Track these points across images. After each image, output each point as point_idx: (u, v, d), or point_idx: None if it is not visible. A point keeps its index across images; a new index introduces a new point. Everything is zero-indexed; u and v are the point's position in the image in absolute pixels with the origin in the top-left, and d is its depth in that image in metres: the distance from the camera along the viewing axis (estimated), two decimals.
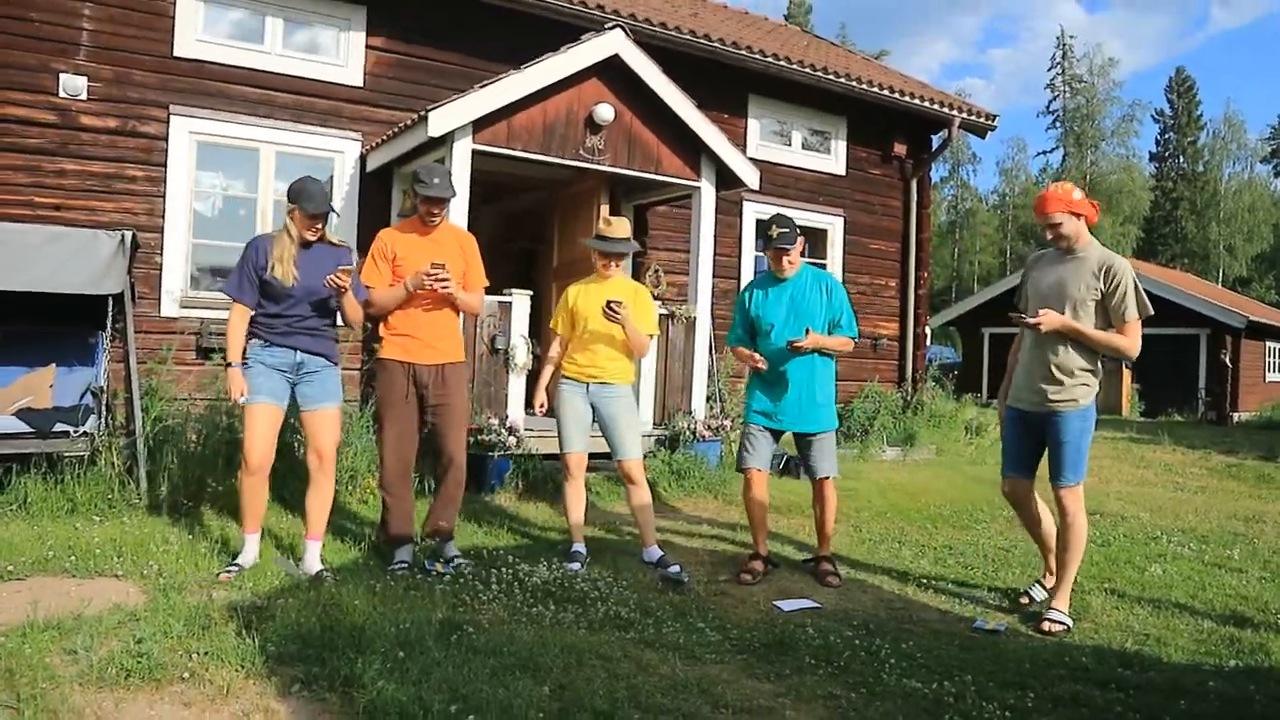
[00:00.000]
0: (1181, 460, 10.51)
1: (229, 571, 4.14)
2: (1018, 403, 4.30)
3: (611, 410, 4.89)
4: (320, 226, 4.31)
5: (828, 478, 4.84)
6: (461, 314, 4.78)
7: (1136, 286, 4.01)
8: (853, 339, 4.85)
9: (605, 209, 7.94)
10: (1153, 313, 4.07)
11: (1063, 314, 4.05)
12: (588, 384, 4.88)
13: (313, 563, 4.32)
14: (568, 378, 4.93)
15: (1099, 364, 4.15)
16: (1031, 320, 4.03)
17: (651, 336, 5.02)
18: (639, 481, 4.92)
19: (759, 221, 4.96)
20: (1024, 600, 4.42)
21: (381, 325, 4.61)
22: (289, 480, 5.58)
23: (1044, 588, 4.44)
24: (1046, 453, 4.22)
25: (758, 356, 4.74)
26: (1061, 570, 4.18)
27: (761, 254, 10.27)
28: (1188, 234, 45.52)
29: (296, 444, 5.62)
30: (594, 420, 4.93)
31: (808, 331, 4.63)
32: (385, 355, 4.56)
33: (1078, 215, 4.09)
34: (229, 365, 4.30)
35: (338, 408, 4.45)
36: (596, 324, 4.83)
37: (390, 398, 4.53)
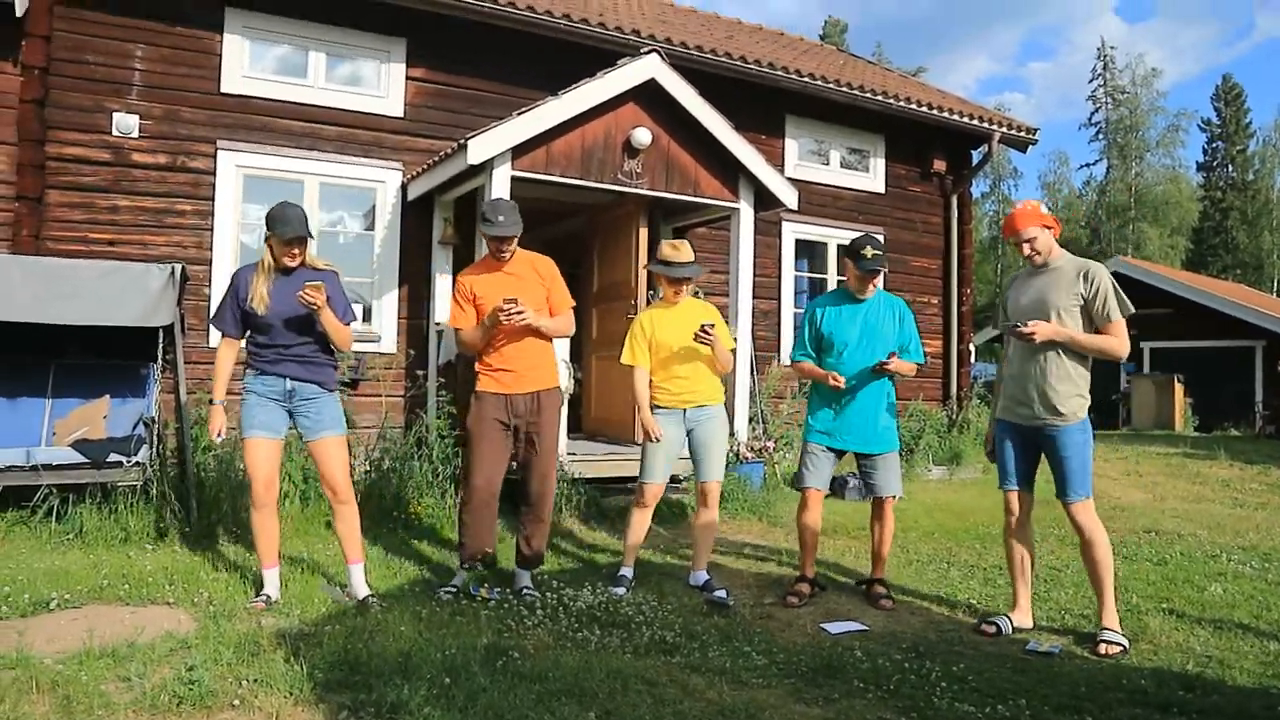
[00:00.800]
0: (1240, 476, 10.22)
1: (258, 601, 4.17)
2: (1010, 415, 4.23)
3: (706, 431, 4.87)
4: (298, 252, 4.25)
5: (893, 497, 4.79)
6: (553, 339, 4.75)
7: (1115, 287, 4.07)
8: (919, 364, 4.83)
9: (645, 232, 7.97)
10: (1134, 311, 4.09)
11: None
12: (684, 410, 4.85)
13: (359, 586, 4.35)
14: (661, 406, 4.87)
15: (1088, 375, 4.13)
16: (1026, 330, 3.99)
17: (731, 350, 4.99)
18: (713, 505, 4.92)
19: (844, 245, 4.88)
20: (988, 629, 4.21)
21: (477, 362, 4.63)
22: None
23: (1012, 621, 4.26)
24: (1051, 471, 4.15)
25: (837, 374, 4.64)
26: (1099, 590, 4.08)
27: (802, 274, 10.24)
28: (1239, 244, 44.46)
29: None
30: (684, 443, 4.89)
31: (893, 355, 4.60)
32: (482, 389, 4.57)
33: (1048, 228, 4.15)
34: (212, 402, 4.33)
35: (341, 435, 4.41)
36: (683, 348, 4.79)
37: (482, 429, 4.53)
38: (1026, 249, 4.15)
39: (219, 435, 4.32)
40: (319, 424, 4.33)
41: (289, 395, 4.30)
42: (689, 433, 4.88)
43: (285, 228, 4.16)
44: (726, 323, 5.33)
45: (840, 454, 4.82)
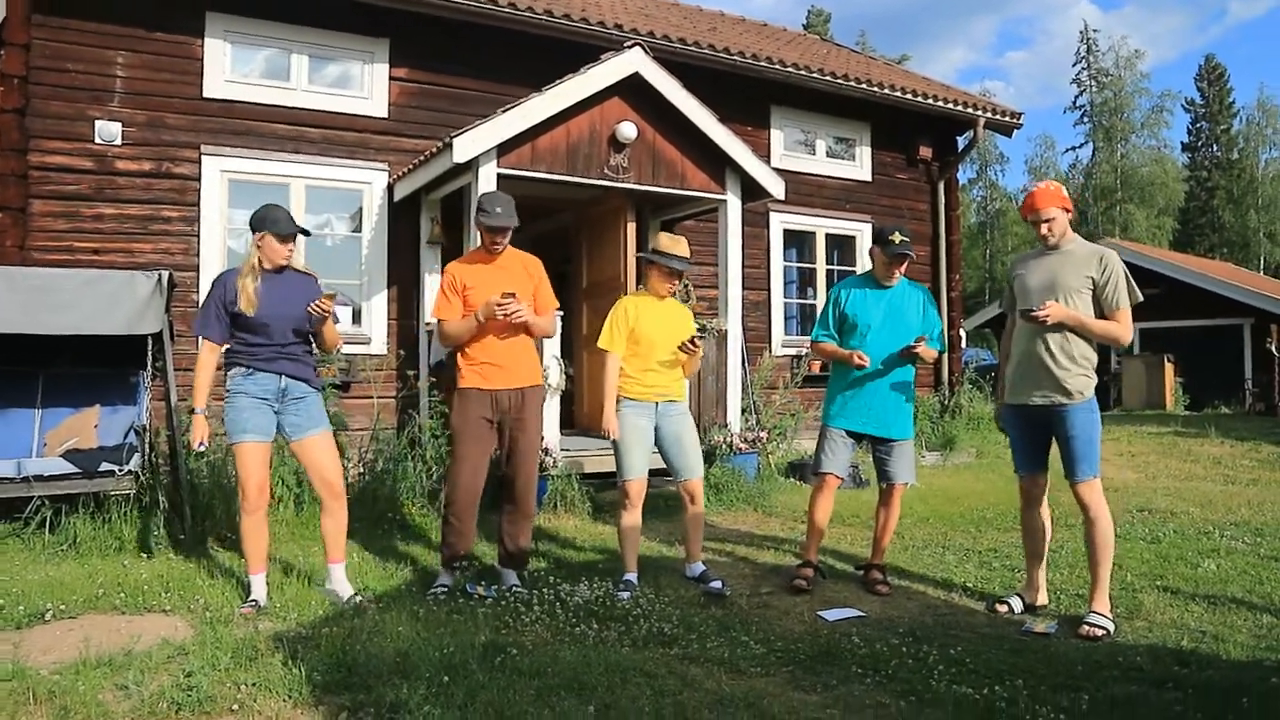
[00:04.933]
0: (1230, 453, 10.27)
1: (247, 606, 4.14)
2: (1016, 398, 4.26)
3: (676, 428, 4.80)
4: (293, 249, 4.32)
5: (905, 484, 4.81)
6: (537, 338, 4.77)
7: (1127, 276, 4.10)
8: (941, 352, 4.83)
9: (633, 226, 7.97)
10: (1142, 299, 4.13)
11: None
12: (655, 404, 4.79)
13: (341, 585, 4.35)
14: (632, 399, 4.78)
15: (1096, 356, 4.17)
16: (1039, 314, 4.00)
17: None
18: (699, 502, 4.88)
19: (877, 229, 4.92)
20: (1000, 608, 4.28)
21: (460, 356, 4.59)
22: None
23: (1023, 600, 4.31)
24: (1059, 450, 4.17)
25: (862, 353, 4.60)
26: (1095, 571, 4.09)
27: (792, 264, 10.25)
28: (1225, 223, 44.63)
29: None
30: (654, 440, 4.85)
31: (921, 339, 4.60)
32: (466, 385, 4.54)
33: (1066, 210, 4.20)
34: (193, 411, 4.21)
35: (329, 430, 4.45)
36: (664, 345, 4.76)
37: (468, 427, 4.51)
38: (1044, 228, 4.18)
39: (201, 445, 4.22)
40: (310, 421, 4.34)
41: (281, 394, 4.29)
42: (657, 428, 4.80)
43: (281, 226, 4.24)
44: (703, 333, 5.19)
45: (858, 439, 4.82)
